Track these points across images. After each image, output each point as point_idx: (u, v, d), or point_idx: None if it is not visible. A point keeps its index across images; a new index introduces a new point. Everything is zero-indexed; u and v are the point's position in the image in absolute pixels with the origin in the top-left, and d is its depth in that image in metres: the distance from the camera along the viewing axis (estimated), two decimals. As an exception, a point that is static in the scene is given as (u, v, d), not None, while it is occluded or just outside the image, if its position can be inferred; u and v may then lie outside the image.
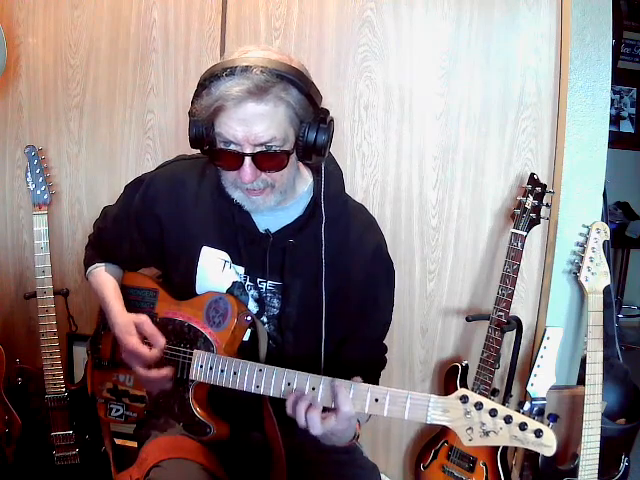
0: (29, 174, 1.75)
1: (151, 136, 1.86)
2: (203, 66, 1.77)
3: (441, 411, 0.89)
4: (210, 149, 1.01)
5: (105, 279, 1.25)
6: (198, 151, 1.04)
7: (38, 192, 1.73)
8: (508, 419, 0.85)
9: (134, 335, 1.11)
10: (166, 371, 1.10)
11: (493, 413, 0.86)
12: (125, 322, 1.14)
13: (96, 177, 1.90)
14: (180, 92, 1.82)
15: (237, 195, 1.05)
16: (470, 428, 0.87)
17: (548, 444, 0.83)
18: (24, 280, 1.96)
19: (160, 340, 1.11)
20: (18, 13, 1.85)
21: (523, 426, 0.84)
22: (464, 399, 0.88)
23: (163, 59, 1.82)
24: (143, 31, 1.81)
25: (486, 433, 0.86)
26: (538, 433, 0.83)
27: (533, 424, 0.84)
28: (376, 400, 0.93)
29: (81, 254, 1.36)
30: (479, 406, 0.87)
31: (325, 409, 0.96)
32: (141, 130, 1.86)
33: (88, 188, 1.91)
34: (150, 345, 1.11)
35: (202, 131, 1.00)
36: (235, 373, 1.04)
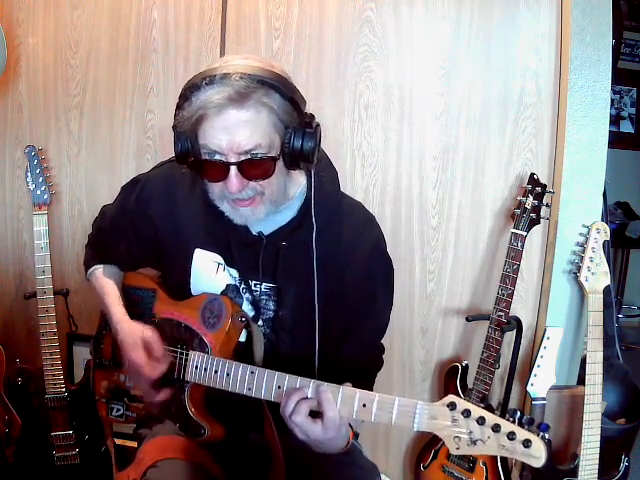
0: (29, 174, 1.74)
1: (151, 136, 1.86)
2: (203, 66, 1.78)
3: (428, 418, 0.86)
4: (195, 161, 1.00)
5: (105, 283, 1.24)
6: None
7: (38, 192, 1.73)
8: (496, 428, 0.82)
9: (141, 350, 1.09)
10: (164, 395, 1.10)
11: (481, 421, 0.83)
12: (131, 333, 1.12)
13: (96, 177, 1.90)
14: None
15: (225, 207, 1.04)
16: (457, 436, 0.84)
17: (536, 455, 0.80)
18: (24, 280, 1.96)
19: (166, 362, 1.10)
20: (18, 13, 1.85)
21: (511, 435, 0.81)
22: (452, 406, 0.85)
23: (163, 59, 1.82)
24: (143, 31, 1.81)
25: (474, 442, 0.83)
26: (526, 443, 0.80)
27: (522, 434, 0.81)
28: (364, 405, 0.92)
29: (81, 254, 1.36)
30: (467, 414, 0.84)
31: (314, 414, 0.95)
32: (141, 130, 1.86)
33: (88, 188, 1.91)
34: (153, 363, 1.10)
35: (187, 144, 0.99)
36: (228, 375, 1.04)
